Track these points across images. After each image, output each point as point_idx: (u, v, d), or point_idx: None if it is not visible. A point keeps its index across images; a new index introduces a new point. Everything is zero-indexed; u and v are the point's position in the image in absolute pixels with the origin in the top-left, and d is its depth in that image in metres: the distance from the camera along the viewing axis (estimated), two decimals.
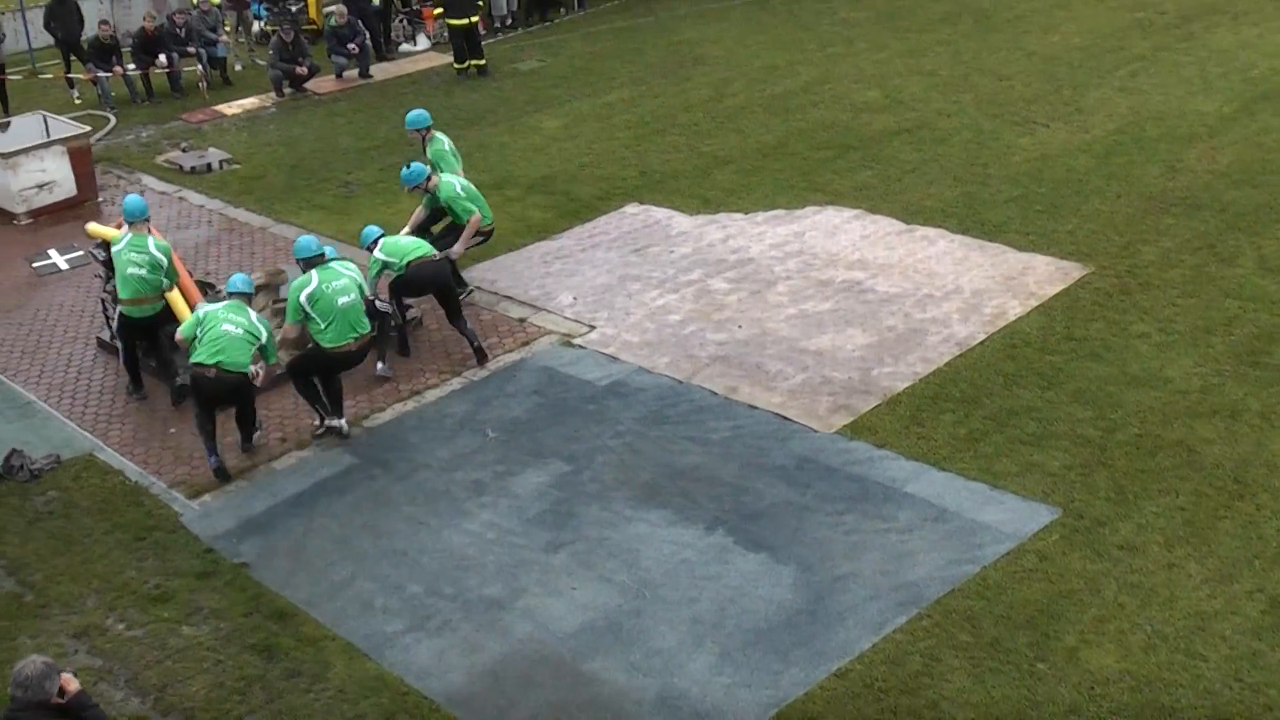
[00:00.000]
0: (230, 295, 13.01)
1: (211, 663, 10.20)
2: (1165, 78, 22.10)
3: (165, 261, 13.83)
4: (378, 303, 14.12)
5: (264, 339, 12.76)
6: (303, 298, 12.92)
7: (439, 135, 16.52)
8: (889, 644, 9.79)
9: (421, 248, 14.34)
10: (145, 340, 14.27)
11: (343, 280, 13.03)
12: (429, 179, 15.47)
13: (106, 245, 14.56)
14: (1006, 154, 19.07)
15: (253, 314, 12.87)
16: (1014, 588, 10.25)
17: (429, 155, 16.14)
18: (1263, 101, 20.55)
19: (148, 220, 14.22)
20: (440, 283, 14.39)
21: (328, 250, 13.51)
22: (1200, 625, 9.74)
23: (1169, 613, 9.88)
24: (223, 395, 12.66)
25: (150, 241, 13.87)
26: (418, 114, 16.59)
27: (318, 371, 13.26)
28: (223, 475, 12.58)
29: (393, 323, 14.47)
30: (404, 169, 15.67)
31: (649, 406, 13.13)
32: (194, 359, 12.53)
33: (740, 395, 13.17)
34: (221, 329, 12.48)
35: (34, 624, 10.78)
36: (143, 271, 13.75)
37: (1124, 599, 10.05)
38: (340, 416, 13.19)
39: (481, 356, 14.26)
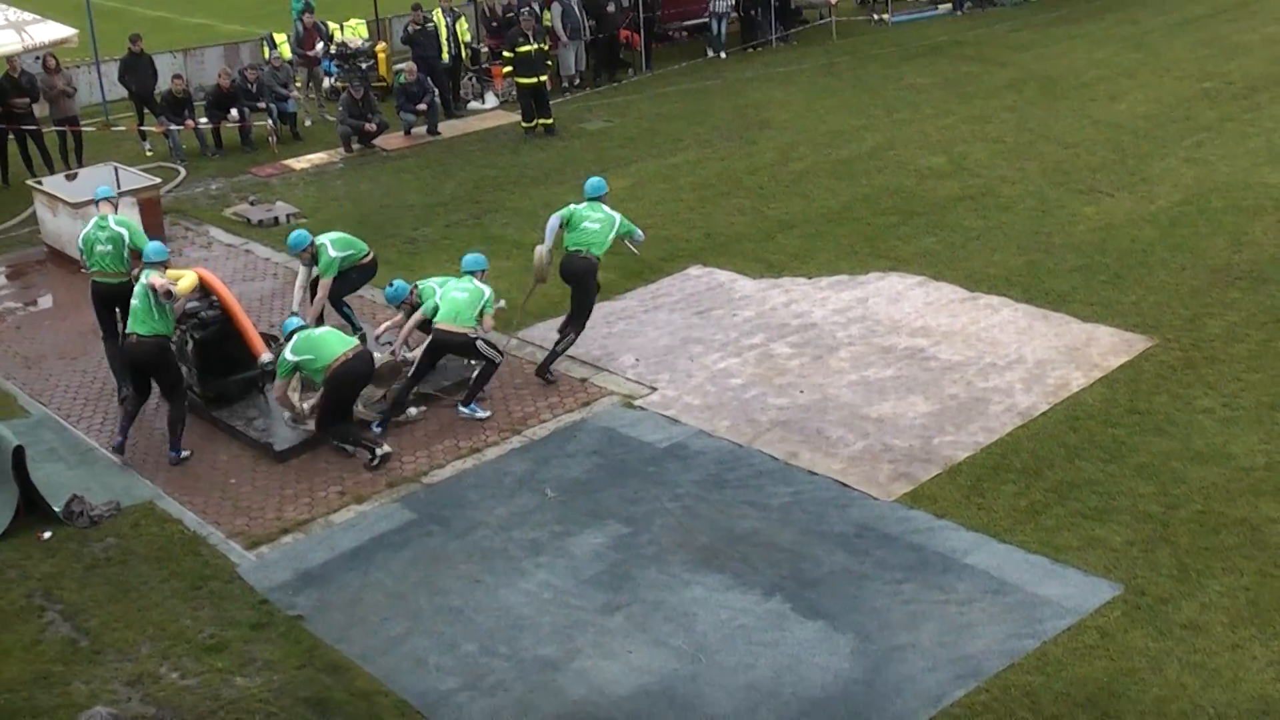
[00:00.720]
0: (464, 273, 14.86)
1: (264, 715, 10.17)
2: (1231, 149, 21.96)
3: (126, 235, 15.33)
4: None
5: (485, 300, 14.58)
6: (288, 354, 13.76)
7: (323, 242, 15.88)
8: (946, 718, 9.66)
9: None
10: (113, 317, 15.53)
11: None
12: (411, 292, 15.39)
13: (169, 294, 14.71)
14: (1071, 223, 18.97)
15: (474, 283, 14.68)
16: (1075, 664, 10.09)
17: (320, 268, 15.83)
18: None
19: (111, 201, 16.12)
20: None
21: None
22: (1265, 709, 9.54)
23: (1233, 695, 9.69)
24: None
25: (111, 219, 15.54)
26: (297, 235, 16.02)
27: (340, 407, 13.85)
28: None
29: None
30: (388, 287, 15.68)
31: (709, 470, 13.07)
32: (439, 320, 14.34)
33: (800, 461, 13.09)
34: (451, 295, 14.51)
35: (88, 670, 10.80)
36: (109, 248, 15.30)
37: (1186, 679, 9.87)
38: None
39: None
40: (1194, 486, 12.22)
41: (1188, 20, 33.45)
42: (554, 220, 15.84)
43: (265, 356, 14.75)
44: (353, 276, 16.13)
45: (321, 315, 15.84)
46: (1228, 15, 33.59)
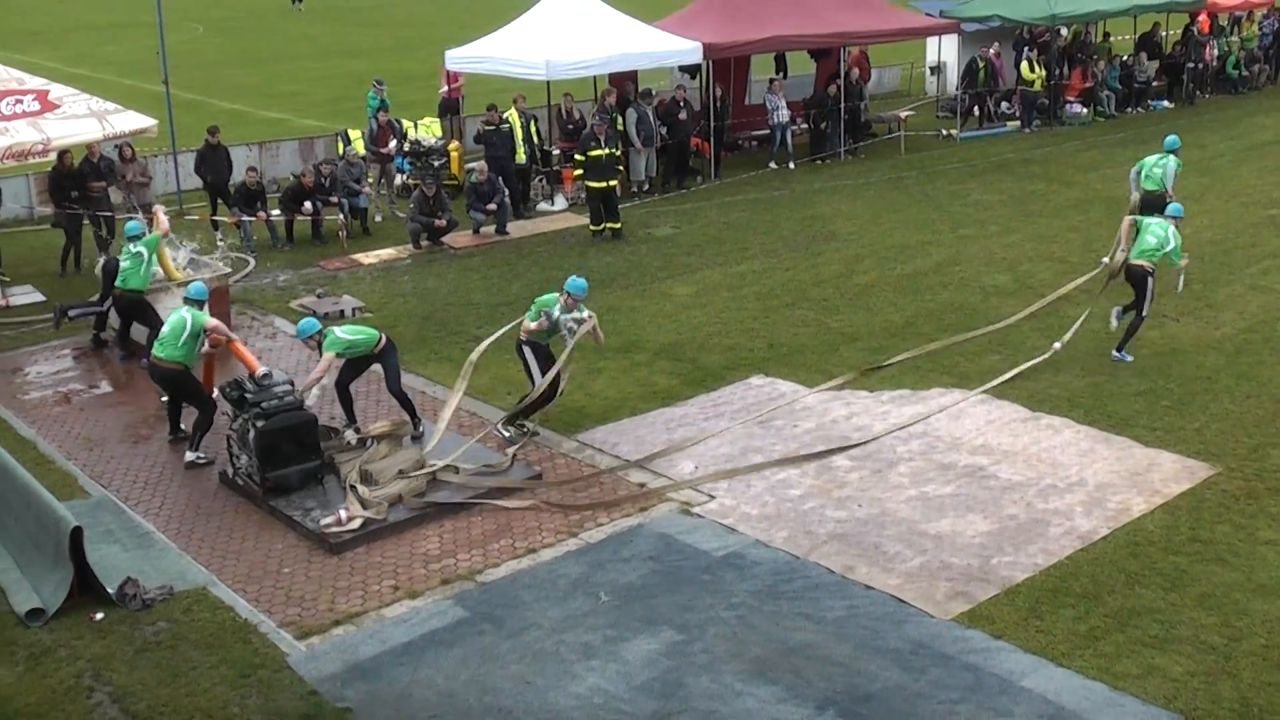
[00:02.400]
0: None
1: None
2: None
3: (146, 253, 18.81)
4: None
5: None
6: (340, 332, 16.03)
7: (331, 328, 16.34)
8: None
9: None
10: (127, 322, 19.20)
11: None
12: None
13: (237, 383, 15.13)
14: (1135, 346, 18.81)
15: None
16: None
17: (324, 346, 16.08)
18: None
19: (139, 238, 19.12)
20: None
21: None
22: None
23: None
24: None
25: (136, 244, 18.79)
26: (305, 322, 16.41)
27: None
28: None
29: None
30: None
31: (764, 580, 12.94)
32: None
33: (857, 575, 12.96)
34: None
35: None
36: (126, 262, 18.84)
37: None
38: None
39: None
40: (1257, 619, 11.99)
41: (1255, 146, 33.46)
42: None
43: (261, 369, 15.41)
44: (361, 366, 16.44)
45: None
46: None
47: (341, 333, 16.16)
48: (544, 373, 16.43)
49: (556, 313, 16.58)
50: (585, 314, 16.63)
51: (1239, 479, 14.72)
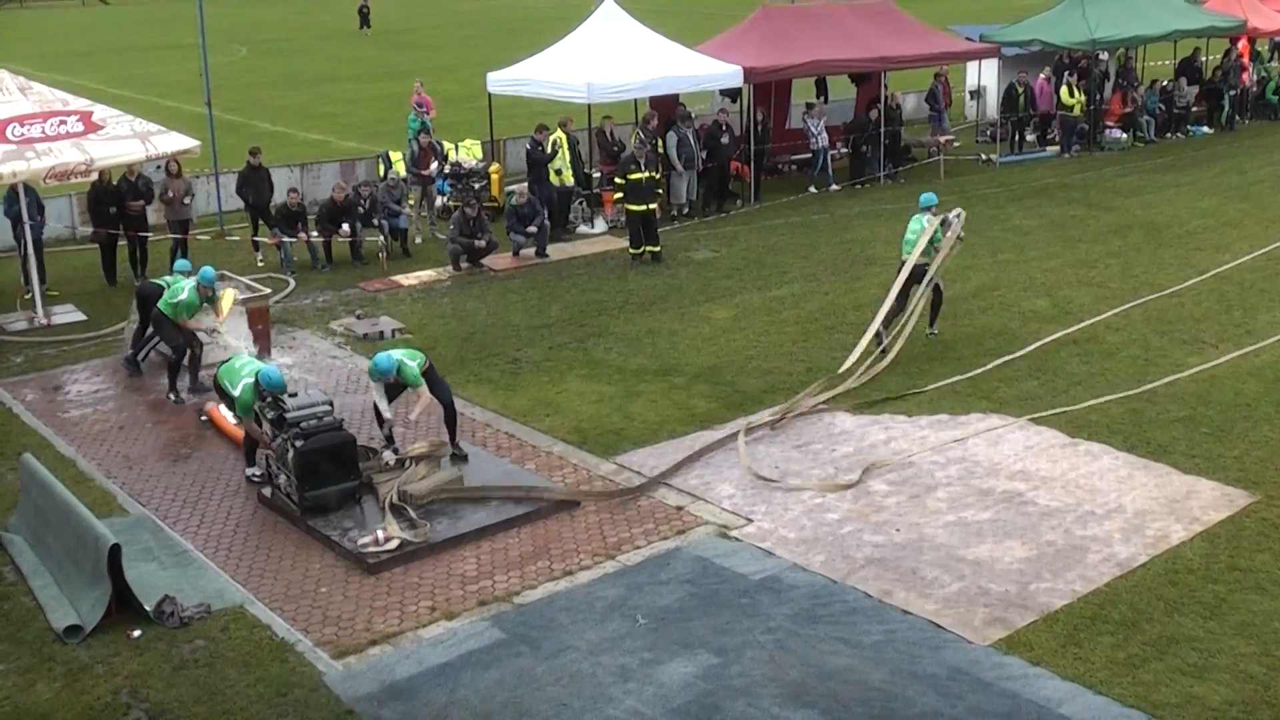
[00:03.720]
0: None
1: None
2: None
3: (185, 293, 18.80)
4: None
5: None
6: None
7: (401, 360, 16.17)
8: None
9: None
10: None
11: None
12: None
13: (277, 402, 15.25)
14: (1174, 372, 18.74)
15: None
16: None
17: (409, 381, 16.15)
18: None
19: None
20: None
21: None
22: None
23: None
24: None
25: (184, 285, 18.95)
26: (387, 361, 16.07)
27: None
28: None
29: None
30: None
31: (801, 604, 12.91)
32: None
33: (894, 599, 12.91)
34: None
35: None
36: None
37: None
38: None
39: None
40: None
41: None
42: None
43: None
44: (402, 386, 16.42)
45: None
46: None
47: (409, 361, 16.09)
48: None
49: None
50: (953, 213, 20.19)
51: (1279, 507, 14.60)
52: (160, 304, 18.86)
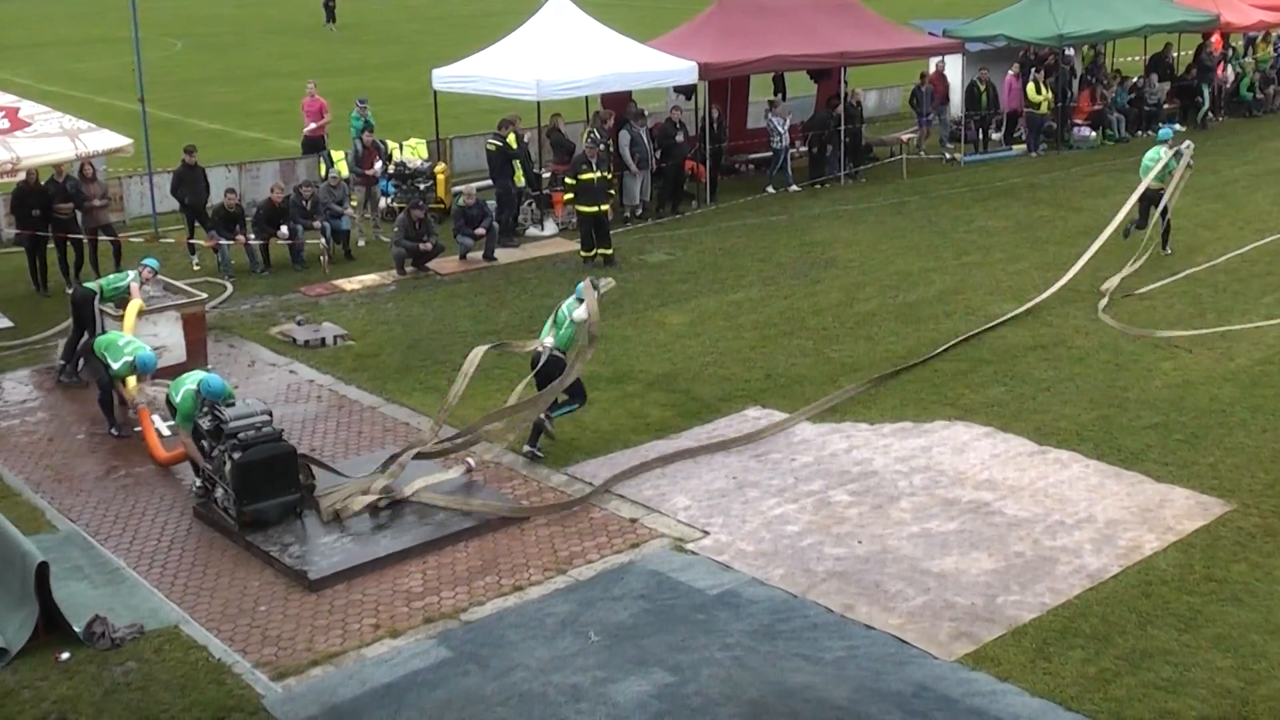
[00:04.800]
0: None
1: None
2: None
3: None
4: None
5: None
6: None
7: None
8: None
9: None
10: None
11: None
12: None
13: (213, 413, 15.17)
14: (1146, 377, 18.84)
15: None
16: None
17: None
18: None
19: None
20: None
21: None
22: None
23: None
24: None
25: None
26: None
27: None
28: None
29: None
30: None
31: (760, 620, 12.88)
32: None
33: (857, 614, 12.90)
34: None
35: None
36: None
37: None
38: None
39: None
40: (1275, 662, 11.93)
41: (1272, 171, 33.57)
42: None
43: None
44: None
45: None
46: None
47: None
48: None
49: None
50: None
51: (1255, 516, 14.68)
52: (96, 345, 18.23)
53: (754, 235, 27.66)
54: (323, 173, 29.06)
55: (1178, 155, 25.02)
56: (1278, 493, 15.20)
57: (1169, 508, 14.93)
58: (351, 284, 24.76)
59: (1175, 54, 43.10)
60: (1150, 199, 24.96)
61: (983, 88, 36.22)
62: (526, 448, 16.76)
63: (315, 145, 32.33)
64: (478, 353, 17.03)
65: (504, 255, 26.33)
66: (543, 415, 16.75)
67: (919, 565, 13.78)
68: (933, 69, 37.01)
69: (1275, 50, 44.71)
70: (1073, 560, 13.79)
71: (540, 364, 16.71)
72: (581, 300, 16.72)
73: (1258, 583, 13.28)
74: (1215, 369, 19.19)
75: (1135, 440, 16.75)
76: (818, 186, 32.26)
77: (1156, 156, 25.03)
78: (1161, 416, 17.48)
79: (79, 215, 24.71)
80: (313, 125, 32.62)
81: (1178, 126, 30.55)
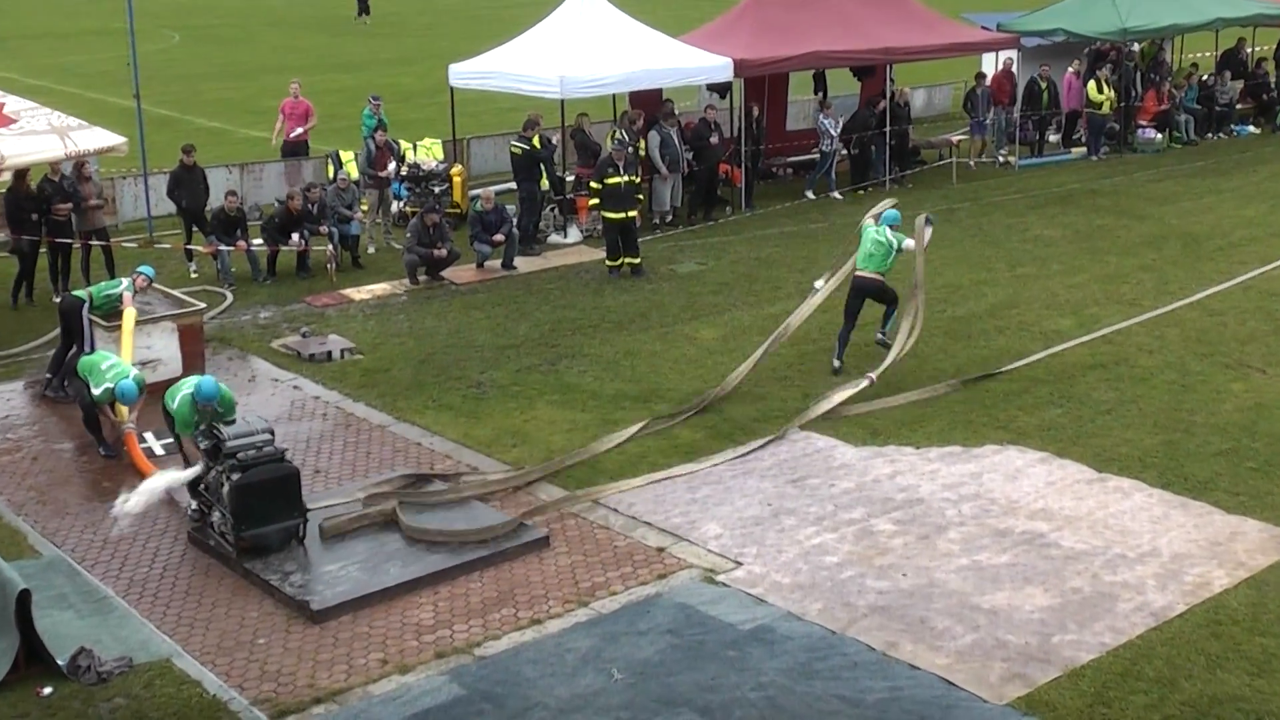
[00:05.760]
0: None
1: None
2: None
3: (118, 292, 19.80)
4: None
5: None
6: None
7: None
8: None
9: None
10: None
11: None
12: None
13: (212, 431, 15.23)
14: (1216, 400, 18.77)
15: None
16: None
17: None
18: None
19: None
20: None
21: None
22: None
23: None
24: None
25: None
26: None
27: None
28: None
29: None
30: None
31: (796, 657, 12.86)
32: None
33: (900, 653, 12.88)
34: None
35: None
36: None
37: None
38: None
39: None
40: None
41: None
42: None
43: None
44: None
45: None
46: None
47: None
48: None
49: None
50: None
51: None
52: (80, 366, 18.21)
53: (792, 244, 27.66)
54: (330, 174, 29.17)
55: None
56: None
57: (1240, 541, 14.85)
58: (360, 294, 24.83)
59: (1250, 49, 42.92)
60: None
61: (1044, 85, 36.19)
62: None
63: (295, 151, 32.33)
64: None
65: (524, 264, 26.40)
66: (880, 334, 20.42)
67: (968, 601, 13.74)
68: (999, 66, 36.86)
69: None
70: (1135, 597, 13.74)
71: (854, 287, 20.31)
72: (893, 227, 20.25)
73: None
74: None
75: (1203, 468, 16.68)
76: (861, 192, 32.24)
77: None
78: (1232, 442, 17.40)
79: (73, 218, 24.80)
80: (299, 130, 32.41)
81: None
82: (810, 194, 31.98)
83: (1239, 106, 40.42)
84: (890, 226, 20.24)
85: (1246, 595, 13.73)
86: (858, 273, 20.31)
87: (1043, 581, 14.08)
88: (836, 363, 20.20)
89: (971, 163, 35.06)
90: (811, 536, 15.19)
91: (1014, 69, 36.43)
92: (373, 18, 78.55)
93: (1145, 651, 12.80)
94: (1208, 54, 44.36)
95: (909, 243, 19.97)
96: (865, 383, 19.07)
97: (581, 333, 22.27)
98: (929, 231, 20.65)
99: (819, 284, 20.67)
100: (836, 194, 31.98)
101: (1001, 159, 35.68)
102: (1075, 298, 23.51)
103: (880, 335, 20.44)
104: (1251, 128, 40.30)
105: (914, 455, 17.30)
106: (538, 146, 27.72)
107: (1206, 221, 28.85)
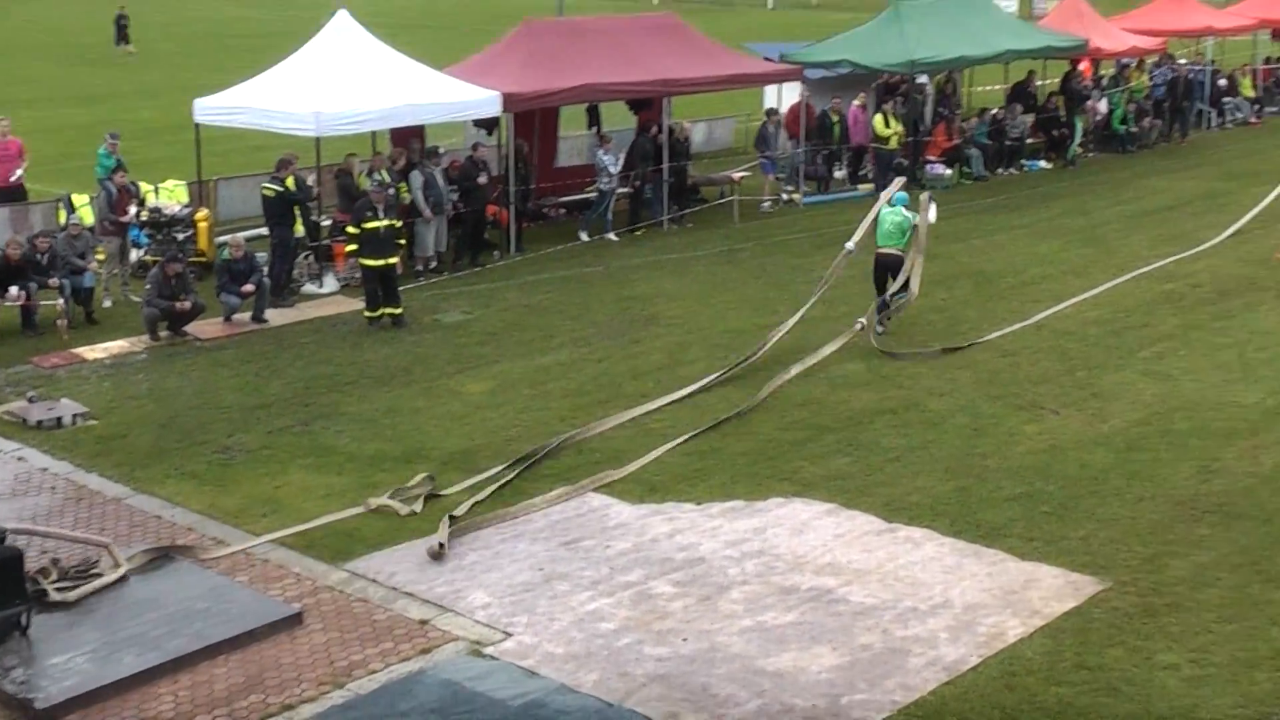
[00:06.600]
0: None
1: None
2: (1198, 361, 22.47)
3: None
4: None
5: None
6: None
7: None
8: None
9: None
10: None
11: None
12: None
13: None
14: (1009, 443, 19.16)
15: None
16: None
17: None
18: None
19: None
20: None
21: None
22: None
23: None
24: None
25: None
26: None
27: None
28: None
29: None
30: None
31: None
32: None
33: None
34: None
35: None
36: None
37: None
38: None
39: None
40: None
41: (1146, 212, 34.53)
42: None
43: None
44: None
45: None
46: (1192, 208, 34.81)
47: None
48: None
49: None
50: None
51: (1132, 594, 14.98)
52: None
53: (565, 290, 27.71)
54: (62, 220, 28.50)
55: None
56: (1157, 568, 15.53)
57: (1035, 588, 15.14)
58: (95, 352, 24.25)
59: (1040, 82, 44.11)
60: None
61: (835, 119, 36.78)
62: (879, 329, 23.79)
63: (13, 195, 31.35)
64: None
65: (276, 316, 26.04)
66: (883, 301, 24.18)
67: (753, 664, 13.80)
68: (789, 99, 37.29)
69: (1151, 79, 45.78)
70: (927, 651, 13.92)
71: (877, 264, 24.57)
72: (908, 207, 24.36)
73: (1135, 669, 13.52)
74: (1085, 432, 19.58)
75: (997, 514, 17.00)
76: (638, 233, 32.42)
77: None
78: (1026, 486, 17.77)
79: None
80: (19, 172, 31.59)
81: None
82: (584, 235, 32.08)
83: (1030, 141, 41.47)
84: (904, 207, 24.52)
85: (1042, 644, 14.00)
86: (880, 250, 24.43)
87: (831, 640, 14.20)
88: (879, 328, 23.96)
89: (766, 203, 35.41)
90: (586, 602, 15.14)
91: (809, 102, 36.97)
92: (134, 45, 76.35)
93: (938, 708, 12.97)
94: (997, 86, 45.56)
95: (919, 219, 24.32)
96: (857, 327, 23.61)
97: (339, 390, 22.02)
98: (933, 208, 25.01)
99: (850, 245, 24.86)
100: (612, 235, 32.15)
101: (786, 196, 36.07)
102: (863, 340, 23.83)
103: (883, 299, 24.41)
104: (1043, 163, 41.36)
105: (694, 511, 17.36)
106: (292, 188, 27.41)
107: (998, 259, 29.53)
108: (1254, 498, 17.36)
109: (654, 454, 18.85)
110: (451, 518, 16.90)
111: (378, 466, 18.77)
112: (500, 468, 18.49)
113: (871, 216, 24.91)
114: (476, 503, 17.51)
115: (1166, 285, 27.24)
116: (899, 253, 24.24)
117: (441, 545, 16.26)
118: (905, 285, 24.32)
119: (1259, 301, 25.95)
